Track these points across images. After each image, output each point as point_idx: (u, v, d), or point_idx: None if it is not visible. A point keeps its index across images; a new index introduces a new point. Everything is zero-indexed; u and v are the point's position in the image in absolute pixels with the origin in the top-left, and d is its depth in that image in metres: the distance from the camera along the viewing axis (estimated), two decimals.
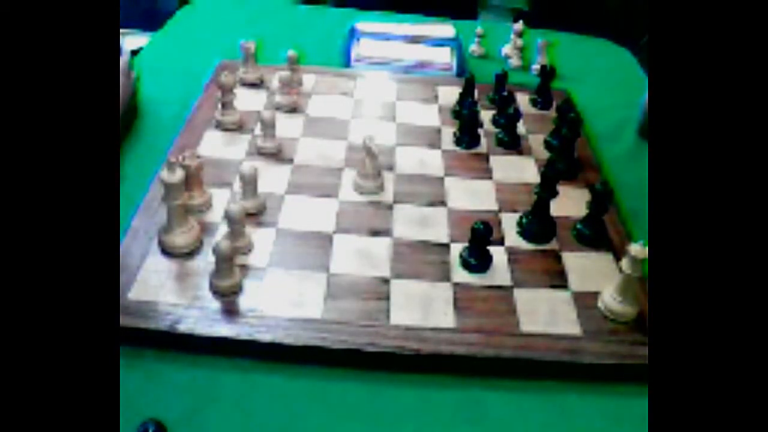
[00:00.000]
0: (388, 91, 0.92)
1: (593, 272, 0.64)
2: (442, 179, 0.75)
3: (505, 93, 0.87)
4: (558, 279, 0.63)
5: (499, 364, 0.55)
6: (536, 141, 0.84)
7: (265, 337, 0.54)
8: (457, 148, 0.81)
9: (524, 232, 0.67)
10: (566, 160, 0.77)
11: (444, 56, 1.03)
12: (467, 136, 0.82)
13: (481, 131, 0.83)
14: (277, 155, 0.76)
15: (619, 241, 0.67)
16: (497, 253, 0.64)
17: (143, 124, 0.83)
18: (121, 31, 1.17)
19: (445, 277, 0.62)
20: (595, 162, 0.81)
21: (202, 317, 0.55)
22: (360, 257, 0.63)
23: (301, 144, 0.79)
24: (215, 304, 0.56)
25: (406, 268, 0.62)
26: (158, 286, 0.57)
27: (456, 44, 1.06)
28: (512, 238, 0.67)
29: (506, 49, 1.08)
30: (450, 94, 0.91)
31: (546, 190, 0.66)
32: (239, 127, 0.80)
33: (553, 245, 0.67)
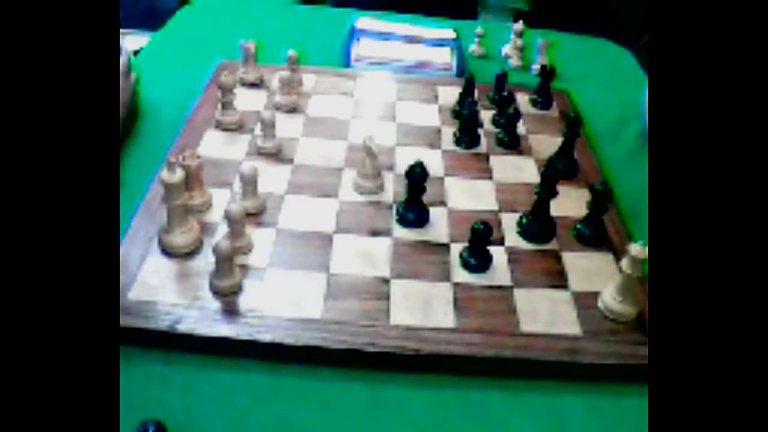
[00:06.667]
0: (388, 91, 0.92)
1: (593, 272, 0.64)
2: (442, 179, 0.75)
3: (505, 93, 0.87)
4: (558, 279, 0.63)
5: (499, 364, 0.55)
6: (536, 141, 0.84)
7: (265, 337, 0.54)
8: (457, 148, 0.81)
9: (524, 232, 0.67)
10: (566, 160, 0.77)
11: (444, 56, 1.03)
12: (467, 136, 0.82)
13: (481, 131, 0.83)
14: (277, 155, 0.76)
15: (619, 241, 0.67)
16: (497, 253, 0.64)
17: (143, 124, 0.83)
18: (121, 31, 1.18)
19: (445, 277, 0.62)
20: (595, 162, 0.81)
21: (202, 317, 0.55)
22: (360, 257, 0.63)
23: (301, 144, 0.79)
24: (215, 304, 0.56)
25: (406, 268, 0.62)
26: (158, 286, 0.57)
27: (456, 44, 1.06)
28: (512, 238, 0.67)
29: (506, 49, 1.08)
30: (450, 94, 0.91)
31: (546, 190, 0.66)
32: (239, 127, 0.80)
33: (553, 245, 0.67)
